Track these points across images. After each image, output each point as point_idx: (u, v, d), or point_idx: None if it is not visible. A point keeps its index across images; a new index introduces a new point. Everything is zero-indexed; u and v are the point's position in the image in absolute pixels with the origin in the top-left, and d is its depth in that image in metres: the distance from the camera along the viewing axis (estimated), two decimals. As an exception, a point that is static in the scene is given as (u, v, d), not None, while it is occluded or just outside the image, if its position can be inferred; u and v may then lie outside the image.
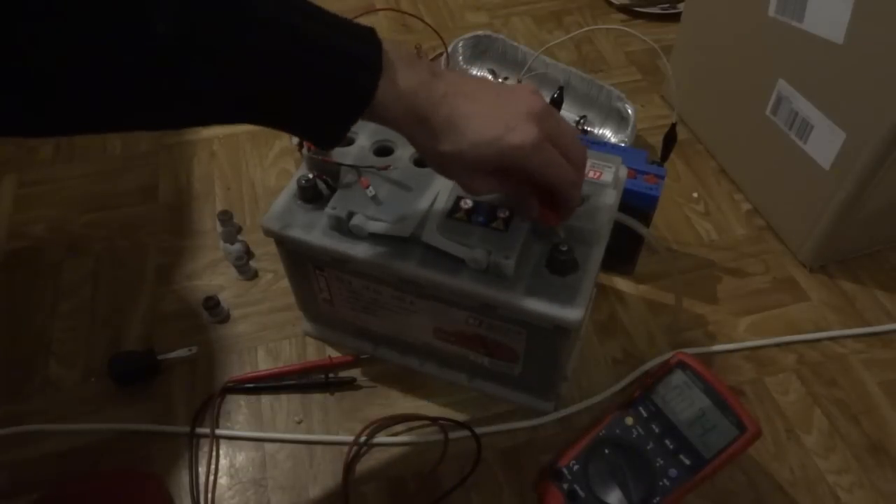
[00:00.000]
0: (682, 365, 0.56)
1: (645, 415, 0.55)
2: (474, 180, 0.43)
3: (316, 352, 0.66)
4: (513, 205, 0.50)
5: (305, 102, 0.38)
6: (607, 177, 0.54)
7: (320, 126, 0.40)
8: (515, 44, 0.88)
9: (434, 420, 0.60)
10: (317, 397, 0.63)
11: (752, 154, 0.78)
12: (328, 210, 0.51)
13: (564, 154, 0.43)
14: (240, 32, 0.34)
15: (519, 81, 0.74)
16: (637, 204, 0.61)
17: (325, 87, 0.37)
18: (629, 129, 0.78)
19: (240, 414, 0.62)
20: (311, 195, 0.54)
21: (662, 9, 1.05)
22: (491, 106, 0.41)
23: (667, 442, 0.53)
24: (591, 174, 0.54)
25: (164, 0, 0.31)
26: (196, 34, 0.33)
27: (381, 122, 0.41)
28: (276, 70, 0.36)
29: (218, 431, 0.60)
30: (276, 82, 0.36)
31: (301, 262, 0.57)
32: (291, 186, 0.55)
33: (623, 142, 0.79)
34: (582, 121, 0.83)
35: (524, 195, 0.46)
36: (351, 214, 0.51)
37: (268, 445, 0.60)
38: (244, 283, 0.72)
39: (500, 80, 0.88)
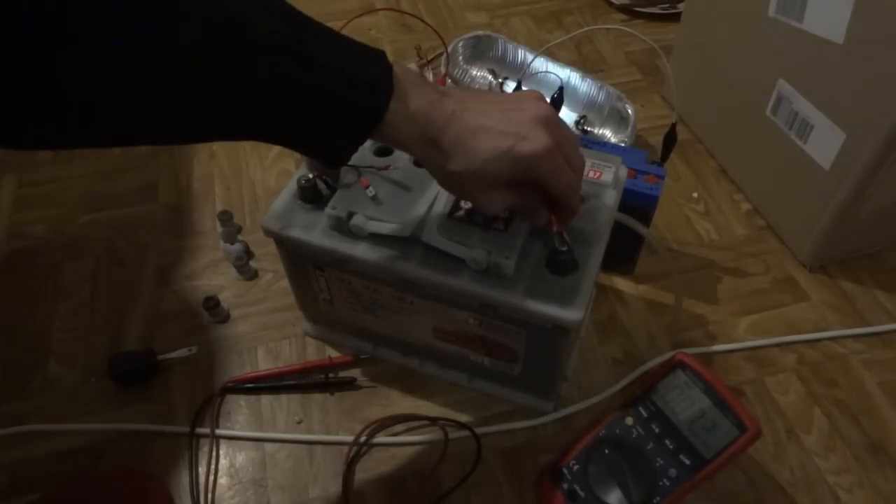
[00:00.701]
0: (682, 365, 0.56)
1: (645, 415, 0.55)
2: (491, 197, 0.43)
3: (316, 352, 0.66)
4: (522, 213, 0.50)
5: (315, 123, 0.38)
6: (607, 177, 0.54)
7: (329, 147, 0.40)
8: (515, 44, 0.88)
9: (434, 420, 0.60)
10: (317, 397, 0.63)
11: (752, 154, 0.78)
12: (328, 210, 0.51)
13: (567, 160, 0.43)
14: (253, 53, 0.34)
15: (519, 81, 0.74)
16: (637, 204, 0.61)
17: (335, 109, 0.38)
18: (629, 129, 0.78)
19: (240, 414, 0.62)
20: (311, 195, 0.54)
21: (662, 9, 1.05)
22: (498, 118, 0.41)
23: (667, 442, 0.53)
24: (591, 174, 0.54)
25: (184, 19, 0.31)
26: (213, 55, 0.33)
27: (392, 144, 0.41)
28: (286, 91, 0.36)
29: (218, 431, 0.60)
30: (286, 103, 0.36)
31: (301, 262, 0.57)
32: (291, 186, 0.55)
33: (623, 142, 0.79)
34: (582, 121, 0.83)
35: (535, 204, 0.46)
36: (351, 214, 0.51)
37: (268, 445, 0.60)
38: (244, 283, 0.72)
39: (500, 80, 0.88)
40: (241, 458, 0.59)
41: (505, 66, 0.90)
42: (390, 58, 0.40)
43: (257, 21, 0.34)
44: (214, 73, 0.33)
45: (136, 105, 0.33)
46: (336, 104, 0.37)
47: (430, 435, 0.60)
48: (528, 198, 0.45)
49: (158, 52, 0.31)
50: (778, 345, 0.66)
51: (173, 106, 0.34)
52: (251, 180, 0.82)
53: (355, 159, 0.54)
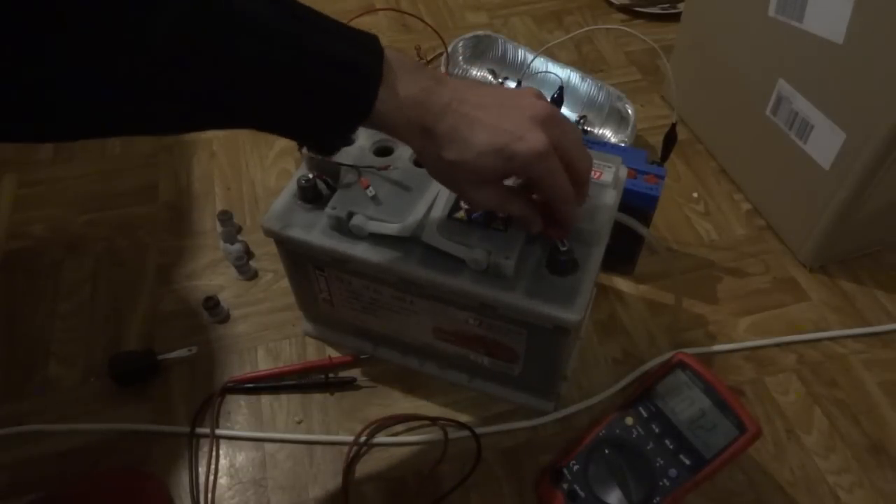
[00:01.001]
0: (682, 365, 0.56)
1: (645, 415, 0.55)
2: (480, 192, 0.42)
3: (316, 352, 0.66)
4: (517, 220, 0.49)
5: (303, 111, 0.38)
6: (607, 177, 0.54)
7: (319, 134, 0.40)
8: (515, 44, 0.88)
9: (434, 420, 0.60)
10: (317, 397, 0.63)
11: (752, 154, 0.78)
12: (328, 210, 0.51)
13: (570, 163, 0.42)
14: (238, 41, 0.34)
15: (519, 81, 0.74)
16: (637, 204, 0.61)
17: (322, 97, 0.37)
18: (629, 129, 0.78)
19: (240, 414, 0.62)
20: (311, 195, 0.54)
21: (662, 9, 1.05)
22: (497, 114, 0.40)
23: (667, 442, 0.53)
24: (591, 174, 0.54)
25: (164, 7, 0.31)
26: (194, 42, 0.33)
27: (385, 131, 0.41)
28: (272, 79, 0.36)
29: (218, 431, 0.60)
30: (272, 91, 0.36)
31: (301, 262, 0.57)
32: (291, 186, 0.55)
33: (623, 142, 0.79)
34: (582, 121, 0.83)
35: (529, 210, 0.45)
36: (351, 214, 0.51)
37: (268, 445, 0.60)
38: (244, 283, 0.72)
39: (500, 80, 0.88)
40: (241, 458, 0.59)
41: (505, 66, 0.89)
42: None
43: (245, 7, 0.34)
44: (197, 60, 0.33)
45: (124, 93, 0.33)
46: (322, 93, 0.37)
47: (430, 435, 0.60)
48: (521, 204, 0.45)
49: (141, 38, 0.31)
50: (778, 345, 0.66)
51: (154, 93, 0.33)
52: (251, 180, 0.82)
53: (355, 159, 0.54)
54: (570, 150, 0.42)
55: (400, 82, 0.38)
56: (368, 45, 0.38)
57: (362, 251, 0.51)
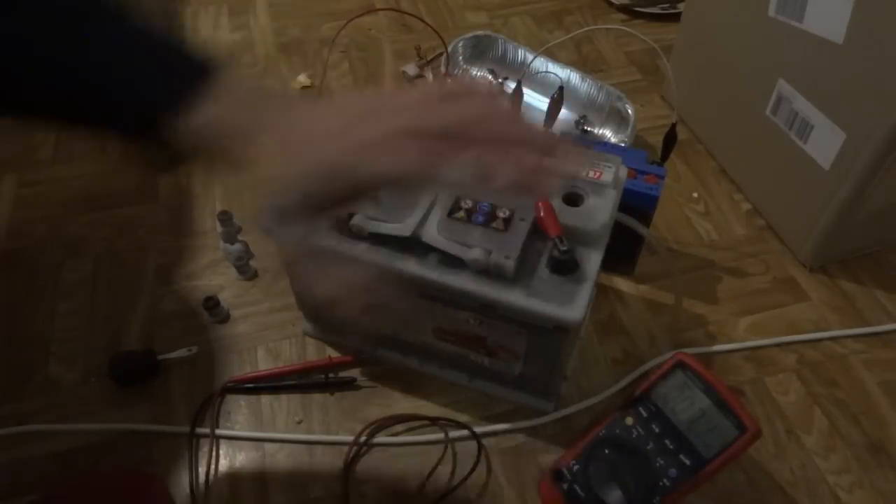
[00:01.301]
0: (682, 365, 0.56)
1: (645, 415, 0.55)
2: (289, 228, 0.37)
3: (316, 352, 0.66)
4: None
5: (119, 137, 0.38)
6: (607, 177, 0.54)
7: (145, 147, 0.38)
8: (515, 44, 0.88)
9: (434, 420, 0.60)
10: (317, 397, 0.63)
11: (752, 154, 0.78)
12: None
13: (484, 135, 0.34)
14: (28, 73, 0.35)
15: (519, 81, 0.74)
16: (637, 204, 0.61)
17: (112, 129, 0.37)
18: (629, 129, 0.78)
19: (240, 414, 0.62)
20: (311, 195, 0.54)
21: (662, 9, 1.05)
22: (340, 127, 0.35)
23: (667, 442, 0.53)
24: (591, 174, 0.54)
25: None
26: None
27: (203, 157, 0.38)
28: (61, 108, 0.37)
29: (218, 431, 0.60)
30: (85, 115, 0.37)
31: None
32: (291, 186, 0.55)
33: (623, 142, 0.79)
34: (582, 121, 0.83)
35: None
36: (351, 214, 0.51)
37: (268, 445, 0.60)
38: (244, 283, 0.72)
39: (499, 80, 0.88)
40: (241, 458, 0.59)
41: (505, 66, 0.90)
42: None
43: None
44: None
45: None
46: (110, 125, 0.37)
47: (430, 435, 0.60)
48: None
49: None
50: (778, 345, 0.66)
51: None
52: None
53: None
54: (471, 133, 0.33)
55: (214, 113, 0.35)
56: (182, 77, 0.35)
57: (362, 251, 0.51)
